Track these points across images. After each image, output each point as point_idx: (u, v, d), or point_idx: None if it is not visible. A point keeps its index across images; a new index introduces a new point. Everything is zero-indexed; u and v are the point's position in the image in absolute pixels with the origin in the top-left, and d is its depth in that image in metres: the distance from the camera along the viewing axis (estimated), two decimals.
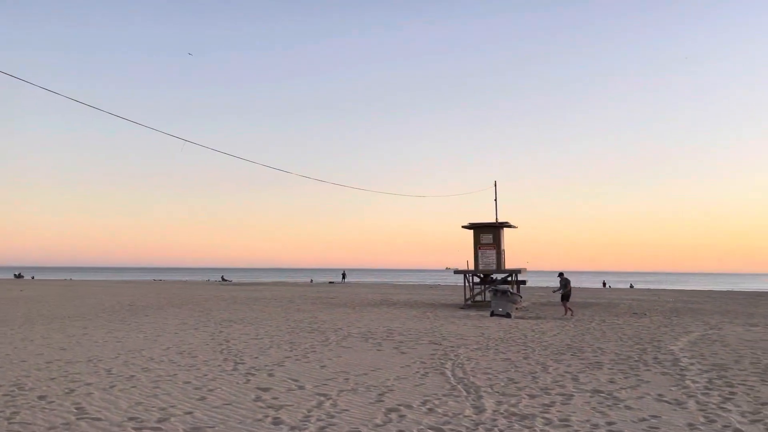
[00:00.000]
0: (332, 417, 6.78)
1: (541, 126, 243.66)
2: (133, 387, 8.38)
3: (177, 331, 15.29)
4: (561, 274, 22.39)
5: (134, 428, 6.31)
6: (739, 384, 8.81)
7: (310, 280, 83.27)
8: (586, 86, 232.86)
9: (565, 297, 21.60)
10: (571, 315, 21.10)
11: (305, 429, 6.29)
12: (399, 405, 7.39)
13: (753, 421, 6.65)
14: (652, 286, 71.94)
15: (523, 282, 27.52)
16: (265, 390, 8.21)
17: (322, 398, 7.73)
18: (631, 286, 69.80)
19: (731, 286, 79.11)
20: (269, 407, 7.24)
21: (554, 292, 24.41)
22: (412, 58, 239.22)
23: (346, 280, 71.93)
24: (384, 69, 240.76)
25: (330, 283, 67.85)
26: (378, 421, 6.63)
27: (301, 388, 8.39)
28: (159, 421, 6.60)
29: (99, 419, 6.66)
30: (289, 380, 8.92)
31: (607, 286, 67.12)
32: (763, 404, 7.50)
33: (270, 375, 9.35)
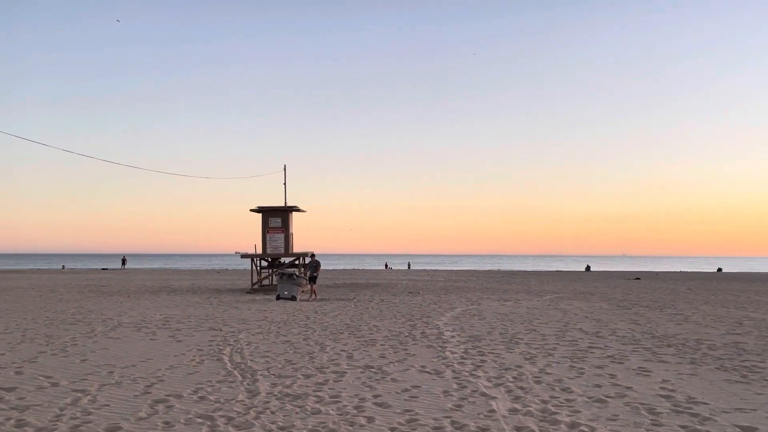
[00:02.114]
0: (89, 414, 6.20)
1: (332, 111, 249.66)
2: None
3: None
4: (312, 256, 22.84)
5: None
6: (489, 353, 9.94)
7: (61, 266, 75.74)
8: (379, 76, 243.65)
9: (313, 279, 21.59)
10: (315, 298, 21.08)
11: (55, 429, 5.66)
12: (168, 396, 7.02)
13: (496, 385, 7.55)
14: (428, 267, 78.31)
15: None
16: (10, 390, 7.23)
17: (79, 395, 7.03)
18: (409, 267, 75.16)
19: (492, 266, 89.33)
20: (13, 409, 6.38)
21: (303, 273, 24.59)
22: (205, 41, 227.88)
23: (126, 266, 66.67)
24: (178, 52, 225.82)
25: (103, 269, 62.32)
26: (142, 414, 6.22)
27: (54, 385, 7.54)
28: None
29: None
30: (41, 377, 7.97)
31: (388, 267, 71.42)
32: (506, 369, 8.55)
33: (18, 373, 8.26)
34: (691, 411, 6.26)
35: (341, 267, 77.02)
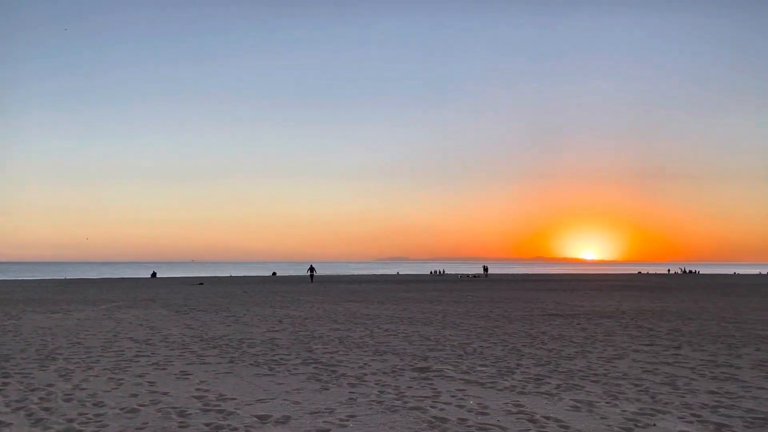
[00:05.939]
0: None
1: None
2: None
3: None
4: None
5: None
6: (16, 373, 8.70)
7: None
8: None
9: None
10: None
11: None
12: None
13: (16, 410, 6.60)
14: None
15: None
16: None
17: None
18: None
19: (45, 276, 79.75)
20: None
21: None
22: None
23: None
24: None
25: None
26: None
27: None
28: None
29: None
30: None
31: None
32: (33, 390, 7.58)
33: None
34: (218, 408, 6.66)
35: None
